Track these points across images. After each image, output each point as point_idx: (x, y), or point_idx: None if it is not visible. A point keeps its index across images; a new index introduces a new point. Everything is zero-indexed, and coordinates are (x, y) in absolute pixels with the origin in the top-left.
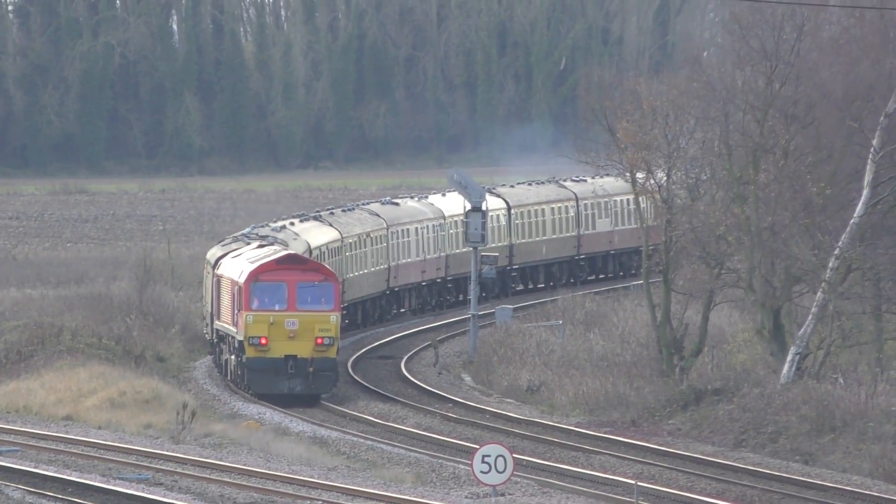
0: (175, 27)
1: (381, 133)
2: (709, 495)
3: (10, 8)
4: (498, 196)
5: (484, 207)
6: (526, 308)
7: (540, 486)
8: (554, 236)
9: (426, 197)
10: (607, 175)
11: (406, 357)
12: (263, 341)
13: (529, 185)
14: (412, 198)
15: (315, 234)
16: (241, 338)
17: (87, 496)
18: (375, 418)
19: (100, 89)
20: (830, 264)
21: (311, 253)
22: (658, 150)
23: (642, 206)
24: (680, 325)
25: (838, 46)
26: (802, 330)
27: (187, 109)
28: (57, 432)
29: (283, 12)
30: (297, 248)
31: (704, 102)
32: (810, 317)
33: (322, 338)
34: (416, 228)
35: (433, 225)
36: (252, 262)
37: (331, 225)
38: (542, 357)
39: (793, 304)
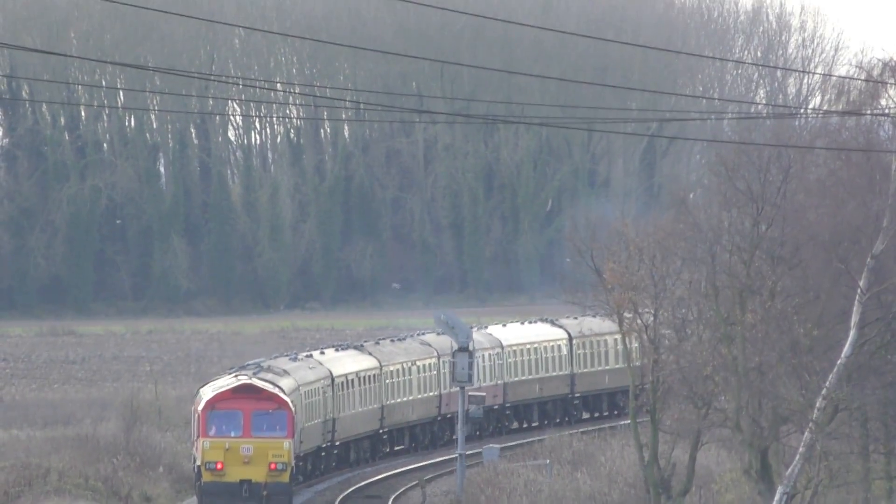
0: (162, 170)
1: (368, 274)
2: None
3: None
4: (491, 334)
5: (471, 347)
6: (513, 447)
7: None
8: (547, 374)
9: (485, 327)
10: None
11: (393, 497)
12: (219, 466)
13: (524, 323)
14: (472, 328)
15: (344, 363)
16: (199, 462)
17: None
18: None
19: (87, 232)
20: (818, 404)
21: (332, 381)
22: (645, 290)
23: (629, 346)
24: (668, 464)
25: (825, 188)
26: (790, 470)
27: (174, 251)
28: None
29: (269, 154)
30: (310, 377)
31: (691, 243)
32: (798, 457)
33: (276, 463)
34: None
35: (489, 354)
36: (212, 391)
37: (370, 354)
38: (530, 497)
39: (780, 443)
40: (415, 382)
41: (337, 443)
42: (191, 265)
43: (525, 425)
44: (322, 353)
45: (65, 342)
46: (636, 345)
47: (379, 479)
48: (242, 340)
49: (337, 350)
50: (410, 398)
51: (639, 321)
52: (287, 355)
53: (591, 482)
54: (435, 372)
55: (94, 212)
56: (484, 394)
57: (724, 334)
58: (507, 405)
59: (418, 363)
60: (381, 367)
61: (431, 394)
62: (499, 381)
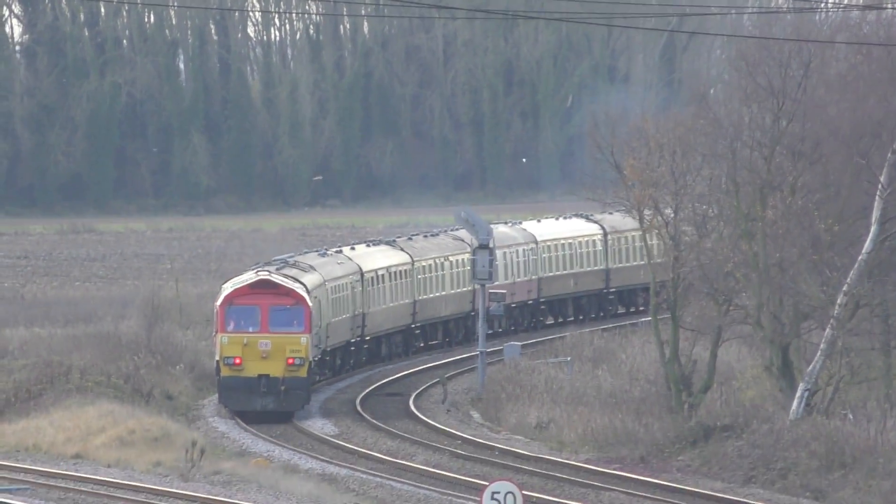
0: (182, 66)
1: (388, 171)
2: None
3: (16, 48)
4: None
5: (491, 244)
6: (534, 345)
7: None
8: (582, 270)
9: (520, 223)
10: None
11: (415, 394)
12: (237, 361)
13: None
14: (505, 223)
15: (375, 258)
16: (217, 358)
17: None
18: (384, 455)
19: (107, 129)
20: (839, 301)
21: (362, 276)
22: (665, 186)
23: (650, 243)
24: (688, 361)
25: (845, 83)
26: (811, 366)
27: (194, 148)
28: (66, 470)
29: (289, 51)
30: (338, 272)
31: (711, 139)
32: (819, 353)
33: (293, 358)
34: (505, 253)
35: (523, 249)
36: (231, 287)
37: (402, 249)
38: (551, 394)
39: (801, 340)
40: (447, 278)
41: (367, 338)
42: (211, 162)
43: (560, 320)
44: (353, 248)
45: (85, 240)
46: (657, 241)
47: (400, 377)
48: (262, 238)
49: (368, 245)
50: (443, 293)
51: (659, 218)
52: (316, 251)
53: (611, 379)
54: (468, 267)
55: (114, 108)
56: (504, 291)
57: (744, 230)
58: (542, 300)
59: (451, 258)
60: (413, 262)
61: (464, 289)
62: (533, 277)
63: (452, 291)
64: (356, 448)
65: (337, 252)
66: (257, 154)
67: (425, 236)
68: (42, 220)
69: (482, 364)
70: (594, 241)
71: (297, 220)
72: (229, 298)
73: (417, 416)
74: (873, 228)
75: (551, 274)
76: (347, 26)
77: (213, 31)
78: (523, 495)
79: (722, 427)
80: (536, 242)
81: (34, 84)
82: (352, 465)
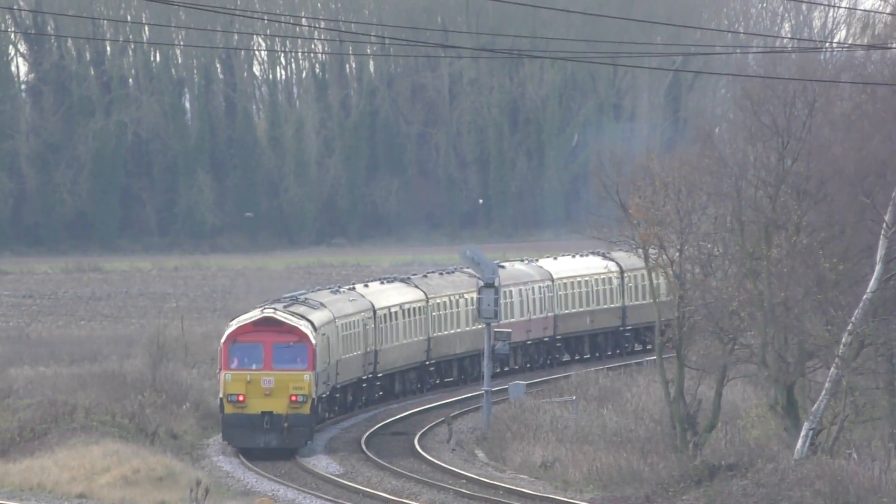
0: (188, 105)
1: (394, 209)
2: None
3: (23, 87)
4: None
5: (496, 284)
6: (539, 384)
7: None
8: (598, 307)
9: (536, 260)
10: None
11: (420, 433)
12: (241, 398)
13: (573, 257)
14: (521, 261)
15: (388, 296)
16: (220, 395)
17: None
18: (389, 495)
19: (112, 167)
20: (843, 339)
21: (374, 313)
22: (670, 225)
23: (654, 282)
24: (693, 400)
25: (850, 122)
26: (816, 405)
27: (200, 187)
28: None
29: (295, 90)
30: (349, 309)
31: (716, 178)
32: (824, 392)
33: (296, 395)
34: (521, 290)
35: (540, 286)
36: (235, 325)
37: (416, 286)
38: (556, 433)
39: (806, 379)
40: (462, 315)
41: (380, 374)
42: (216, 200)
43: (577, 357)
44: (366, 286)
45: (91, 279)
46: (662, 280)
47: (406, 416)
48: (268, 276)
49: (382, 283)
50: (458, 330)
51: (664, 257)
52: (329, 288)
53: (616, 418)
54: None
55: (120, 147)
56: (510, 330)
57: (749, 269)
58: (558, 337)
59: (466, 295)
60: (427, 299)
61: (479, 326)
62: (549, 314)
63: (467, 329)
64: (361, 487)
65: (350, 289)
66: (262, 193)
67: (440, 274)
68: (47, 259)
69: (487, 403)
70: (610, 278)
71: (303, 258)
72: (233, 336)
73: (422, 455)
74: (878, 267)
75: (567, 311)
76: (353, 65)
77: (218, 69)
78: None
79: (727, 466)
80: (552, 280)
81: (40, 123)
82: None
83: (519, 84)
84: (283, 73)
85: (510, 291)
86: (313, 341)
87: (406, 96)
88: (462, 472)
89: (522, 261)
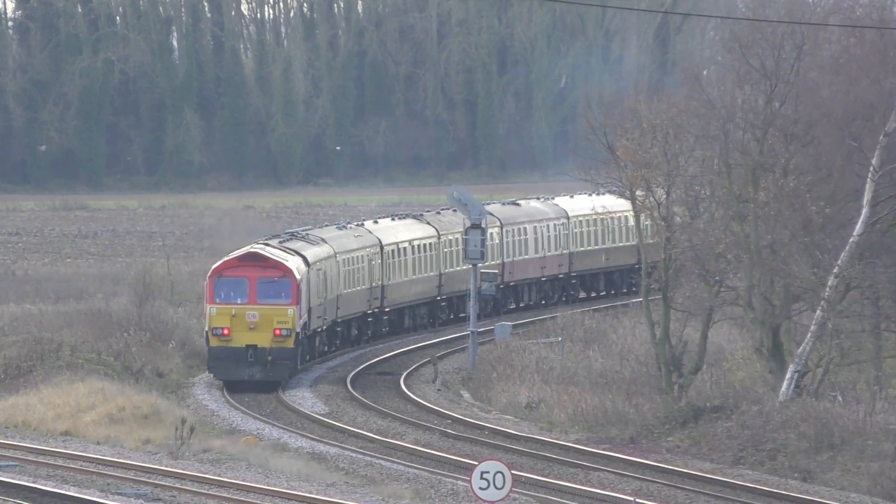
0: (175, 44)
1: (381, 150)
2: None
3: (9, 24)
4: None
5: (483, 224)
6: (525, 325)
7: (538, 502)
8: (613, 245)
9: (552, 198)
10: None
11: (405, 373)
12: (226, 332)
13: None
14: (537, 199)
15: (397, 232)
16: (206, 328)
17: None
18: (374, 434)
19: (99, 105)
20: (829, 283)
21: (381, 249)
22: (657, 168)
23: (641, 224)
24: (679, 342)
25: (838, 65)
26: (801, 348)
27: (187, 126)
28: (56, 447)
29: (283, 29)
30: (352, 245)
31: (704, 121)
32: (809, 335)
33: (280, 329)
34: (536, 227)
35: (555, 224)
36: (220, 260)
37: (428, 223)
38: (542, 374)
39: (792, 322)
40: None
41: (387, 309)
42: (204, 140)
43: (592, 295)
44: (375, 222)
45: (77, 216)
46: (649, 223)
47: (392, 356)
48: (255, 216)
49: (393, 219)
50: (468, 266)
51: (651, 199)
52: (336, 224)
53: (602, 360)
54: (498, 241)
55: (107, 85)
56: (496, 271)
57: (736, 212)
58: (573, 274)
59: None
60: (439, 235)
61: (495, 262)
62: (564, 251)
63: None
64: (346, 427)
65: (358, 225)
66: (250, 132)
67: (454, 211)
68: (34, 196)
69: (473, 344)
70: (626, 216)
71: (290, 198)
72: (218, 270)
73: (408, 395)
74: (864, 211)
75: (583, 249)
76: (341, 5)
77: (206, 8)
78: (512, 475)
79: (712, 408)
80: (568, 217)
81: (27, 60)
82: (341, 444)
83: (507, 25)
84: (271, 12)
85: (524, 228)
86: (297, 277)
87: (394, 37)
88: (447, 413)
89: (538, 198)
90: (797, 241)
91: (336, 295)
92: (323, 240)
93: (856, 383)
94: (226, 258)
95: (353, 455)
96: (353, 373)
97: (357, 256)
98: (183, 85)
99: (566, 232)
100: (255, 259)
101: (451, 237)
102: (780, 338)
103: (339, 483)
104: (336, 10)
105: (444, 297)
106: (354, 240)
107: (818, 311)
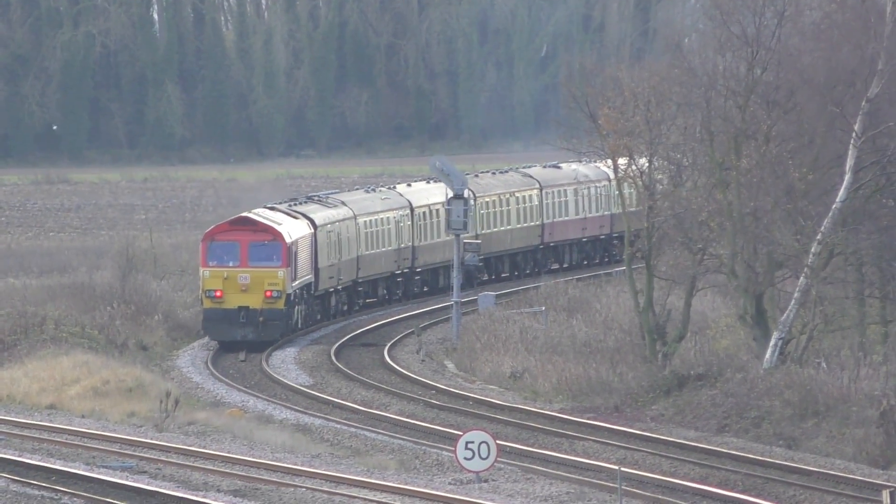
0: (156, 16)
1: (363, 121)
2: (692, 480)
3: None
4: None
5: (466, 195)
6: (508, 295)
7: (523, 472)
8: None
9: (593, 161)
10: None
11: (389, 344)
12: (218, 294)
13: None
14: (579, 161)
15: (430, 194)
16: (200, 290)
17: (71, 484)
18: (359, 405)
19: (81, 79)
20: (813, 249)
21: (412, 210)
22: (640, 136)
23: (624, 192)
24: (663, 310)
25: (819, 32)
26: (785, 315)
27: (168, 98)
28: (41, 421)
29: (263, 1)
30: (376, 207)
31: (686, 88)
32: (793, 302)
33: (271, 291)
34: (576, 189)
35: (596, 187)
36: (213, 225)
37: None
38: (526, 343)
39: (775, 289)
40: (513, 213)
41: (418, 269)
42: (185, 112)
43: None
44: (409, 185)
45: (59, 190)
46: (631, 191)
47: (376, 327)
48: (238, 188)
49: (428, 182)
50: (508, 227)
51: (634, 167)
52: (364, 188)
53: (586, 329)
54: (537, 202)
55: (88, 59)
56: (479, 241)
57: (719, 179)
58: (615, 235)
59: (517, 194)
60: (475, 197)
61: (533, 223)
62: (605, 213)
63: (518, 226)
64: (330, 398)
65: (389, 189)
66: (231, 104)
67: (493, 174)
68: (16, 170)
69: (457, 314)
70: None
71: (272, 170)
72: (211, 234)
73: (392, 366)
74: (847, 177)
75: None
76: None
77: None
78: (497, 445)
79: (696, 376)
80: (609, 180)
81: (7, 34)
82: (326, 416)
83: None
84: None
85: (564, 191)
86: (288, 240)
87: (375, 7)
88: (432, 383)
89: (580, 161)
90: (780, 208)
91: (356, 256)
92: (343, 202)
93: (840, 350)
94: (219, 223)
95: (338, 426)
96: (337, 344)
97: (382, 218)
98: (164, 58)
99: (607, 193)
100: (246, 223)
101: (487, 199)
102: (764, 305)
103: (324, 454)
104: None
105: (481, 257)
106: (380, 202)
107: (801, 278)
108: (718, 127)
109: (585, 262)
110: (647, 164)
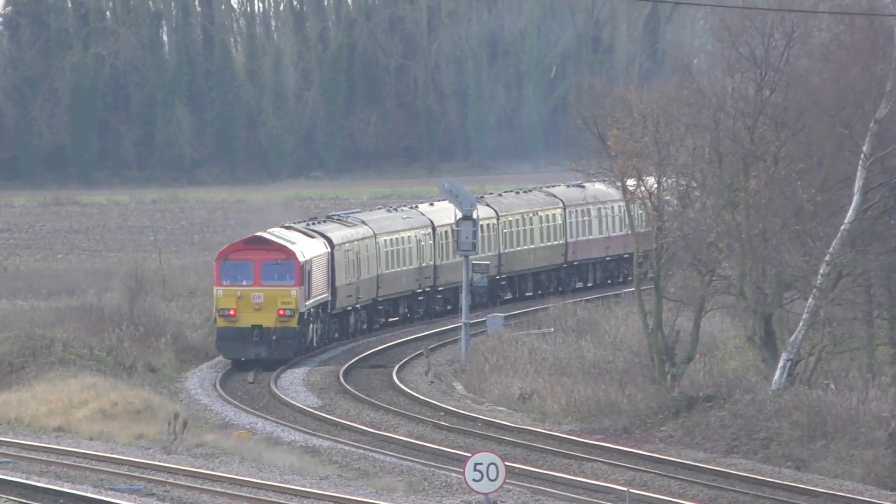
0: (165, 38)
1: (372, 142)
2: (701, 502)
3: (0, 20)
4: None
5: (475, 216)
6: (517, 316)
7: (532, 493)
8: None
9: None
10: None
11: (398, 365)
12: (232, 312)
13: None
14: (603, 182)
15: (453, 213)
16: (213, 309)
17: None
18: (367, 427)
19: (90, 101)
20: (821, 270)
21: (433, 229)
22: (648, 157)
23: (633, 213)
24: (671, 332)
25: (828, 53)
26: (794, 336)
27: (178, 120)
28: (48, 443)
29: (273, 22)
30: (397, 226)
31: (694, 109)
32: (801, 323)
33: (284, 309)
34: (600, 209)
35: (620, 206)
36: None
37: (487, 205)
38: (534, 365)
39: (784, 310)
40: (536, 232)
41: (440, 288)
42: (194, 133)
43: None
44: (431, 205)
45: (68, 212)
46: (640, 212)
47: (384, 348)
48: (247, 209)
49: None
50: (531, 246)
51: (642, 188)
52: (386, 208)
53: (595, 350)
54: (560, 221)
55: (98, 80)
56: (488, 262)
57: (727, 200)
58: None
59: (541, 213)
60: (498, 217)
61: (556, 242)
62: (629, 232)
63: (542, 245)
64: (339, 420)
65: (412, 208)
66: (241, 126)
67: (516, 193)
68: (25, 192)
69: (465, 335)
70: None
71: (281, 191)
72: (224, 254)
73: (401, 387)
74: (856, 198)
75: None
76: None
77: (196, 2)
78: (506, 466)
79: (705, 397)
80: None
81: (17, 56)
82: (335, 438)
83: (497, 16)
84: (260, 5)
85: (588, 210)
86: (301, 259)
87: (384, 28)
88: (440, 405)
89: (604, 181)
90: (788, 229)
91: (376, 275)
92: (363, 221)
93: (848, 371)
94: (233, 242)
95: (347, 448)
96: (345, 366)
97: (403, 237)
98: (173, 79)
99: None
100: (259, 242)
101: (510, 219)
102: (773, 326)
103: (333, 476)
104: (326, 2)
105: (503, 276)
106: (401, 221)
107: (810, 299)
108: (727, 148)
109: (609, 282)
110: (655, 185)
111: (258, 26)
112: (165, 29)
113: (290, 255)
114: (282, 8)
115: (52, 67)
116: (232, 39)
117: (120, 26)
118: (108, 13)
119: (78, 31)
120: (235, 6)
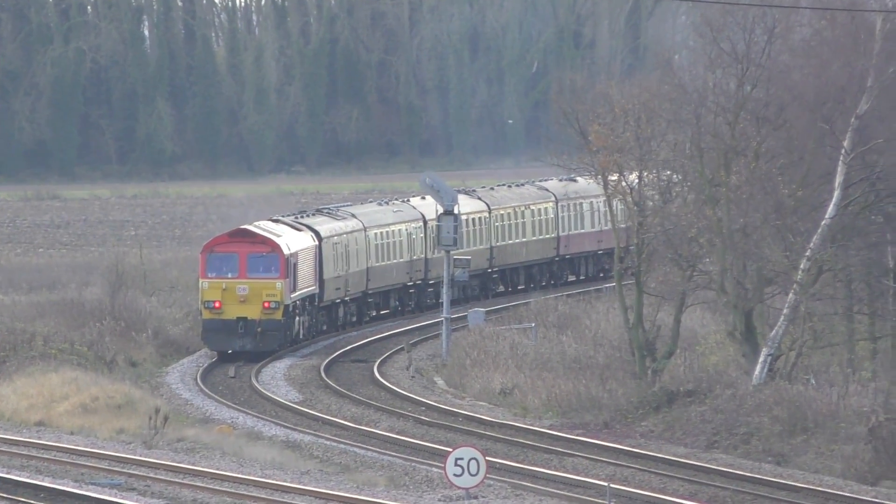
0: (147, 33)
1: (354, 137)
2: (681, 496)
3: None
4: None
5: (456, 211)
6: (498, 311)
7: (513, 488)
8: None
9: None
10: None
11: (379, 360)
12: (217, 305)
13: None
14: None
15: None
16: (199, 301)
17: (59, 501)
18: (348, 422)
19: (71, 95)
20: (802, 266)
21: (425, 223)
22: (630, 152)
23: (614, 208)
24: (652, 327)
25: (809, 48)
26: (774, 331)
27: (159, 115)
28: (29, 438)
29: (254, 17)
30: (388, 219)
31: (676, 105)
32: (782, 318)
33: (269, 302)
34: (591, 203)
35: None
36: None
37: (479, 199)
38: (515, 360)
39: (765, 305)
40: (528, 225)
41: (431, 281)
42: (176, 128)
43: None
44: (423, 198)
45: (49, 206)
46: (621, 207)
47: (365, 343)
48: (228, 204)
49: None
50: (524, 240)
51: (624, 183)
52: (378, 201)
53: (576, 345)
54: (552, 215)
55: (79, 75)
56: (469, 257)
57: (708, 196)
58: (631, 247)
59: (532, 207)
60: (489, 210)
61: (548, 236)
62: (629, 224)
63: (534, 238)
64: (320, 415)
65: (403, 202)
66: (222, 120)
67: (509, 187)
68: (6, 186)
69: (447, 330)
70: None
71: (262, 186)
72: (210, 246)
73: (382, 382)
74: (836, 193)
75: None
76: None
77: None
78: (487, 461)
79: (685, 392)
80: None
81: None
82: (316, 432)
83: (479, 11)
84: (242, 0)
85: (580, 204)
86: (286, 252)
87: (366, 24)
88: (421, 399)
89: (586, 176)
90: (769, 224)
91: (365, 268)
92: (353, 215)
93: (829, 366)
94: (218, 234)
95: (328, 443)
96: (327, 360)
97: (393, 230)
98: (154, 74)
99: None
100: (245, 235)
101: (502, 212)
102: (753, 321)
103: (314, 471)
104: None
105: (495, 269)
106: (392, 215)
107: (791, 295)
108: (708, 143)
109: (601, 275)
110: (637, 181)
111: (240, 21)
112: (147, 24)
113: (275, 247)
114: (263, 3)
115: (32, 62)
116: (213, 34)
117: (101, 21)
118: (89, 7)
119: (59, 25)
120: (217, 1)
